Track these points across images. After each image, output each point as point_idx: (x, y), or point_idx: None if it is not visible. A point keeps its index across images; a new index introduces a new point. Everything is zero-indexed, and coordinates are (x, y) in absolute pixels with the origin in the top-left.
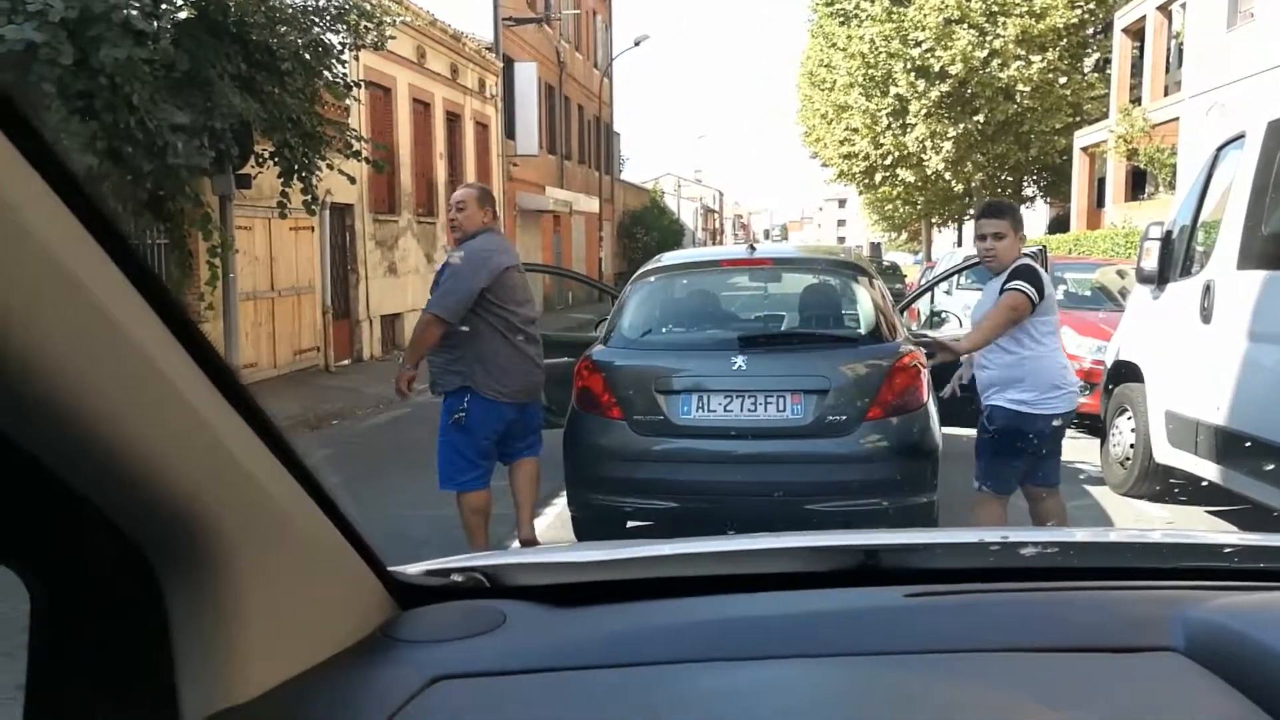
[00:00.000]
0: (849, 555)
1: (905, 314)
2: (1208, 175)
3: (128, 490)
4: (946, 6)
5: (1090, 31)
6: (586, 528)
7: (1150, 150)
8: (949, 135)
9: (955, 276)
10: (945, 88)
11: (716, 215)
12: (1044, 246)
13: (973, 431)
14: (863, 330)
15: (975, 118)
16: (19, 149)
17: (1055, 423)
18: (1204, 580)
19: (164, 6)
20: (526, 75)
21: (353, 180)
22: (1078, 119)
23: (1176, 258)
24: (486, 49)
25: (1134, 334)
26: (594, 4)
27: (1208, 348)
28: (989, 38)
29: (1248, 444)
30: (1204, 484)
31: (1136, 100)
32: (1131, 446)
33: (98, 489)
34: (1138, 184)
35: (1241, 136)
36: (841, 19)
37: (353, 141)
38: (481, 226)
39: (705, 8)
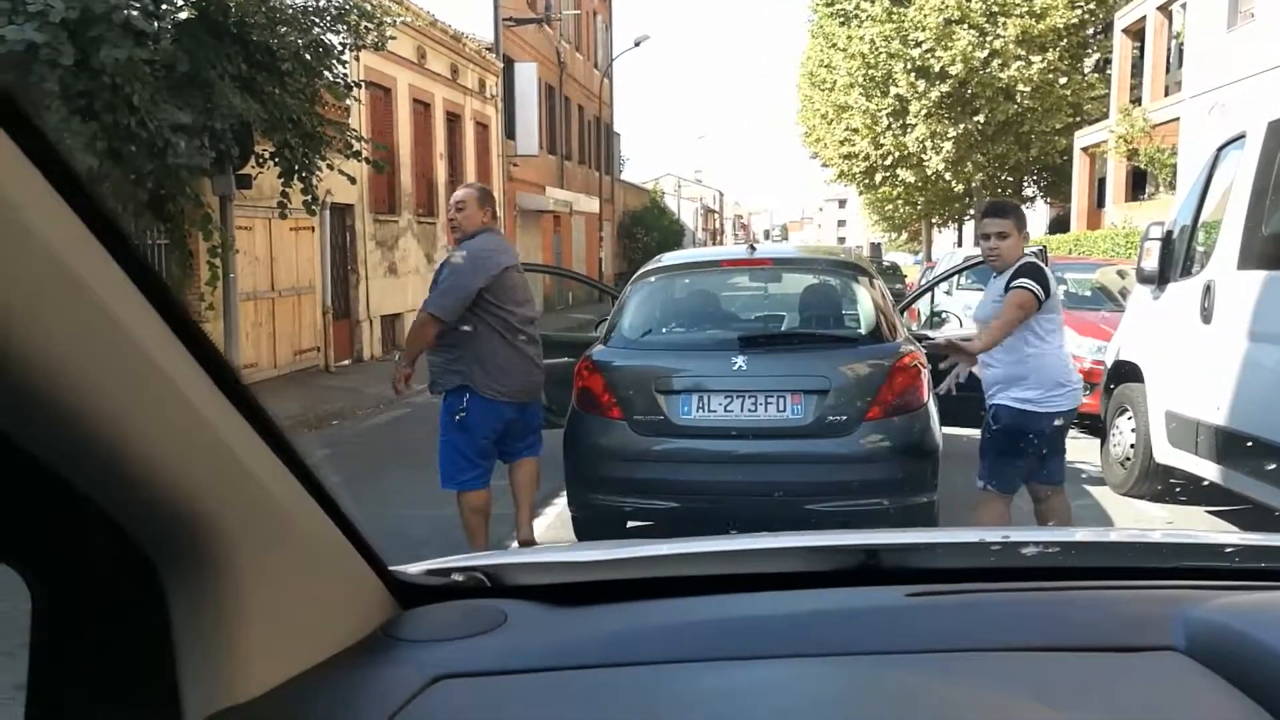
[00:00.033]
0: (849, 555)
1: (905, 314)
2: (1208, 175)
3: (129, 489)
4: (947, 7)
5: (1090, 32)
6: (587, 527)
7: (1150, 150)
8: (949, 135)
9: (955, 277)
10: (945, 88)
11: (717, 215)
12: (1044, 246)
13: (973, 431)
14: (863, 330)
15: (975, 118)
16: (21, 148)
17: (1056, 422)
18: (1205, 580)
19: (164, 7)
20: (527, 75)
21: (353, 180)
22: (1078, 119)
23: (1177, 258)
24: (487, 49)
25: (1134, 334)
26: (594, 4)
27: (1208, 348)
28: (989, 38)
29: (1248, 444)
30: (1204, 484)
31: (1137, 100)
32: (1132, 446)
33: (99, 488)
34: (1138, 184)
35: (1242, 137)
36: (842, 19)
37: (353, 142)
38: (481, 226)
39: (705, 8)
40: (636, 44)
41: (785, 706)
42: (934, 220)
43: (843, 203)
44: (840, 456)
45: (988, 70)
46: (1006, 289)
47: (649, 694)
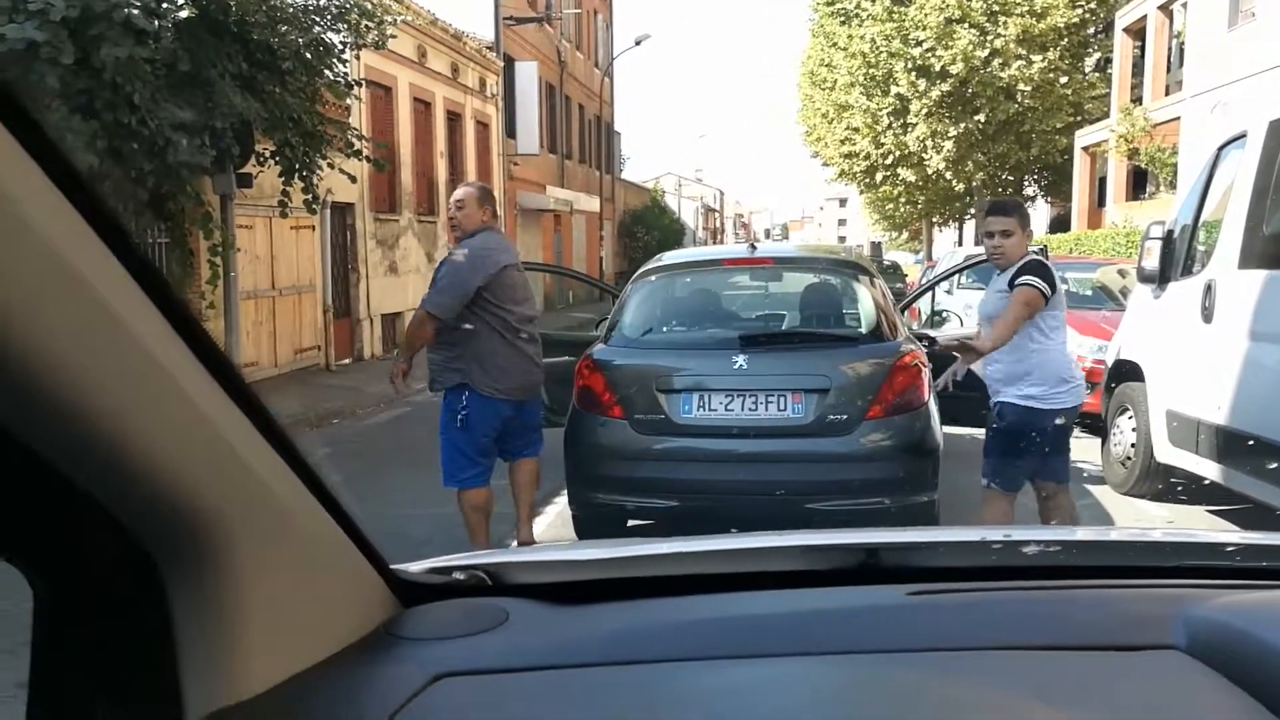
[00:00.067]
0: (850, 554)
1: (906, 313)
2: (1209, 175)
3: (129, 485)
4: (947, 6)
5: (1091, 31)
6: (587, 526)
7: (1151, 150)
8: (950, 135)
9: (956, 276)
10: (946, 87)
11: (717, 214)
12: (1044, 246)
13: (974, 431)
14: (864, 329)
15: (976, 117)
16: (19, 142)
17: (1059, 420)
18: (1206, 579)
19: (165, 6)
20: (527, 74)
21: (353, 179)
22: (1079, 118)
23: (1178, 257)
24: (487, 48)
25: (1135, 333)
26: (595, 3)
27: (1209, 347)
28: (990, 37)
29: (1249, 443)
30: (1205, 483)
31: (1137, 100)
32: (1133, 446)
33: (99, 484)
34: (1139, 183)
35: (1243, 136)
36: (842, 18)
37: (354, 140)
38: (481, 225)
39: (706, 7)
40: (637, 43)
41: (786, 705)
42: (934, 219)
43: (843, 202)
44: (841, 455)
45: (988, 69)
46: (1011, 286)
47: (650, 692)
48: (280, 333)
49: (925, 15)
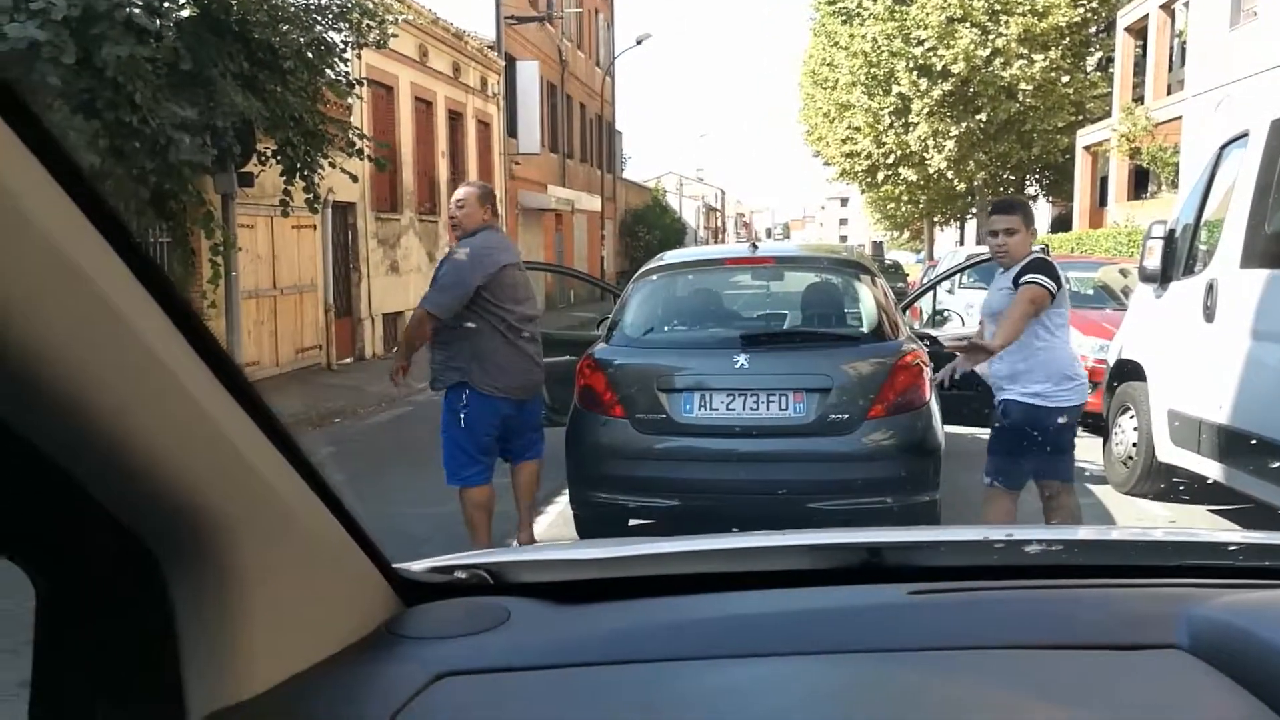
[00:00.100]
0: (852, 553)
1: (908, 312)
2: (1211, 174)
3: (130, 482)
4: (949, 5)
5: (1093, 30)
6: (589, 525)
7: (1153, 149)
8: (951, 134)
9: (957, 275)
10: (948, 86)
11: (718, 214)
12: (1046, 245)
13: (974, 430)
14: (865, 329)
15: (978, 116)
16: (20, 137)
17: (1062, 418)
18: (1208, 578)
19: (166, 5)
20: (528, 74)
21: (355, 178)
22: (1080, 118)
23: (1179, 257)
24: (489, 47)
25: (1137, 333)
26: (596, 2)
27: (1211, 346)
28: (991, 36)
29: (1251, 442)
30: (1207, 483)
31: (1139, 99)
32: (1134, 445)
33: (100, 481)
34: (1140, 183)
35: (1245, 135)
36: (844, 18)
37: (355, 140)
38: (482, 224)
39: (707, 7)
40: (638, 42)
41: (787, 704)
42: (936, 219)
43: (845, 201)
44: (842, 455)
45: (990, 69)
46: (1016, 284)
47: (651, 691)
48: (281, 332)
49: (927, 14)
